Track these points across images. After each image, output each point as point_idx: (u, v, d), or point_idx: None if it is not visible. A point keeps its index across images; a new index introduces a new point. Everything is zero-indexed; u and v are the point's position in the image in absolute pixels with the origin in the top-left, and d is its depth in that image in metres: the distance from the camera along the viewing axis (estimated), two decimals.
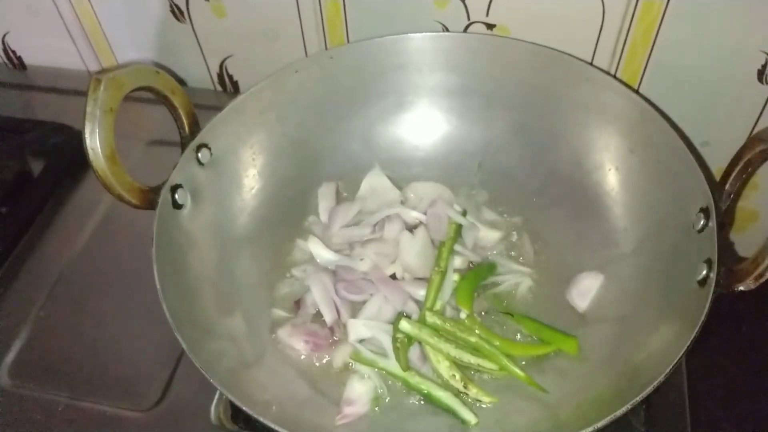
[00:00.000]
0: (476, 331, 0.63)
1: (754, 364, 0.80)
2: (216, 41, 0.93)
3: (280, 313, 0.69)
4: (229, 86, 0.99)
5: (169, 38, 0.94)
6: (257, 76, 0.75)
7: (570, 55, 0.75)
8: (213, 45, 0.94)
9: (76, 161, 0.90)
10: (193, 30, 0.92)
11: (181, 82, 0.99)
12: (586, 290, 0.68)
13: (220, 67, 0.97)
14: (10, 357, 0.72)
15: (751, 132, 0.82)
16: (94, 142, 0.57)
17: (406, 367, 0.63)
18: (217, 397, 0.68)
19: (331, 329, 0.66)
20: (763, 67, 0.75)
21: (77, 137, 0.90)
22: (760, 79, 0.77)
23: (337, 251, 0.72)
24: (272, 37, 0.89)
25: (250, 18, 0.88)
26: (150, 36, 0.95)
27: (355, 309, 0.68)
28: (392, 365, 0.63)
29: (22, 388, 0.69)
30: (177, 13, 0.90)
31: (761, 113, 0.80)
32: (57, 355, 0.72)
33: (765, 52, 0.74)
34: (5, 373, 0.70)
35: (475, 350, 0.63)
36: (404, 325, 0.63)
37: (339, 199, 0.78)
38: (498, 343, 0.63)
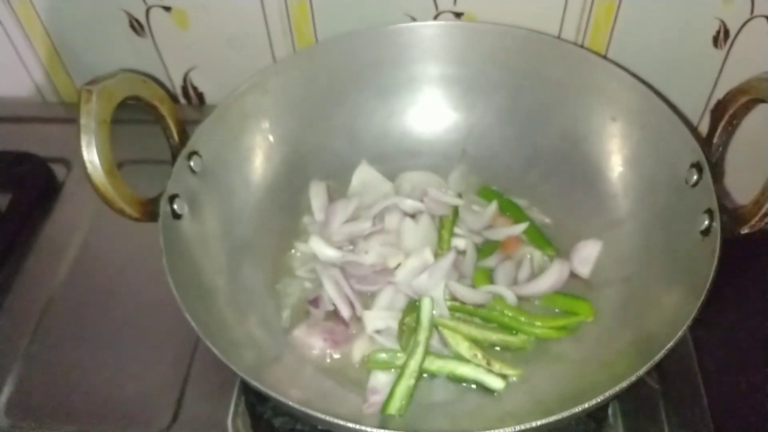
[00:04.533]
0: (497, 308, 0.65)
1: (755, 314, 0.84)
2: (179, 53, 0.91)
3: (291, 314, 0.68)
4: (194, 98, 0.97)
5: (128, 55, 0.91)
6: (224, 85, 0.74)
7: (541, 32, 0.77)
8: (176, 57, 0.92)
9: (45, 190, 0.87)
10: (155, 43, 0.90)
11: None
12: (586, 258, 0.70)
13: (184, 79, 0.95)
14: (3, 397, 0.68)
15: (710, 95, 0.86)
16: (91, 155, 0.55)
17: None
18: (232, 410, 0.66)
19: (347, 324, 0.66)
20: (717, 33, 0.79)
21: (43, 165, 0.88)
22: (715, 45, 0.81)
23: (338, 248, 0.71)
24: (238, 44, 0.88)
25: (214, 27, 0.87)
26: (108, 55, 0.92)
27: (367, 304, 0.68)
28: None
29: (22, 428, 0.66)
30: (136, 27, 0.88)
31: (718, 77, 0.84)
32: (57, 387, 0.69)
33: (719, 19, 0.78)
34: (1, 413, 0.67)
35: (502, 326, 0.64)
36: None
37: (329, 197, 0.77)
38: (523, 318, 0.65)
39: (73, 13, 0.87)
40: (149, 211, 0.60)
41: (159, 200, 0.61)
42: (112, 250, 0.81)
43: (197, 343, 0.70)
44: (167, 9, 0.85)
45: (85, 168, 0.55)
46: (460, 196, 0.75)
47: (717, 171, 0.61)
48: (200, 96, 0.97)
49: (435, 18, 0.83)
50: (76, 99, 0.97)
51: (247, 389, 0.66)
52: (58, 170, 0.89)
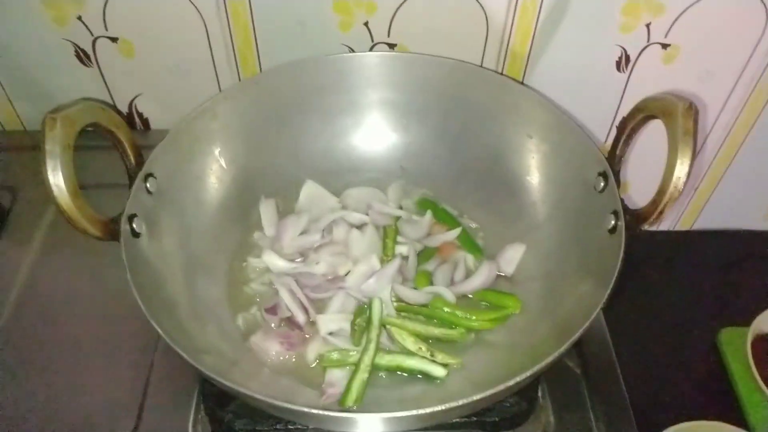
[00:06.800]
0: (438, 306, 0.72)
1: (661, 305, 0.96)
2: (125, 81, 0.94)
3: (246, 323, 0.73)
4: (138, 124, 1.00)
5: (73, 84, 0.94)
6: (170, 112, 0.78)
7: (467, 62, 0.86)
8: (121, 85, 0.95)
9: None
10: (101, 73, 0.93)
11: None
12: (511, 258, 0.78)
13: (129, 106, 0.98)
14: None
15: (616, 112, 0.97)
16: (57, 178, 0.58)
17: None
18: (192, 417, 0.70)
19: (302, 328, 0.71)
20: (620, 58, 0.90)
21: None
22: (618, 69, 0.92)
23: (290, 261, 0.77)
24: (184, 72, 0.92)
25: (160, 56, 0.90)
26: (52, 84, 0.94)
27: (319, 308, 0.74)
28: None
29: None
30: (83, 57, 0.91)
31: (622, 97, 0.95)
32: (16, 397, 0.71)
33: (620, 46, 0.89)
34: None
35: (443, 322, 0.72)
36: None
37: (278, 213, 0.82)
38: (460, 314, 0.72)
39: (18, 42, 0.89)
40: (110, 230, 0.64)
41: (119, 220, 0.65)
42: (59, 274, 0.83)
43: (155, 353, 0.73)
44: (113, 40, 0.89)
45: (51, 191, 0.58)
46: (401, 207, 0.82)
47: (620, 178, 0.70)
48: (146, 122, 1.00)
49: (371, 48, 0.90)
50: (21, 127, 0.99)
51: (206, 395, 0.70)
52: (3, 197, 0.90)
